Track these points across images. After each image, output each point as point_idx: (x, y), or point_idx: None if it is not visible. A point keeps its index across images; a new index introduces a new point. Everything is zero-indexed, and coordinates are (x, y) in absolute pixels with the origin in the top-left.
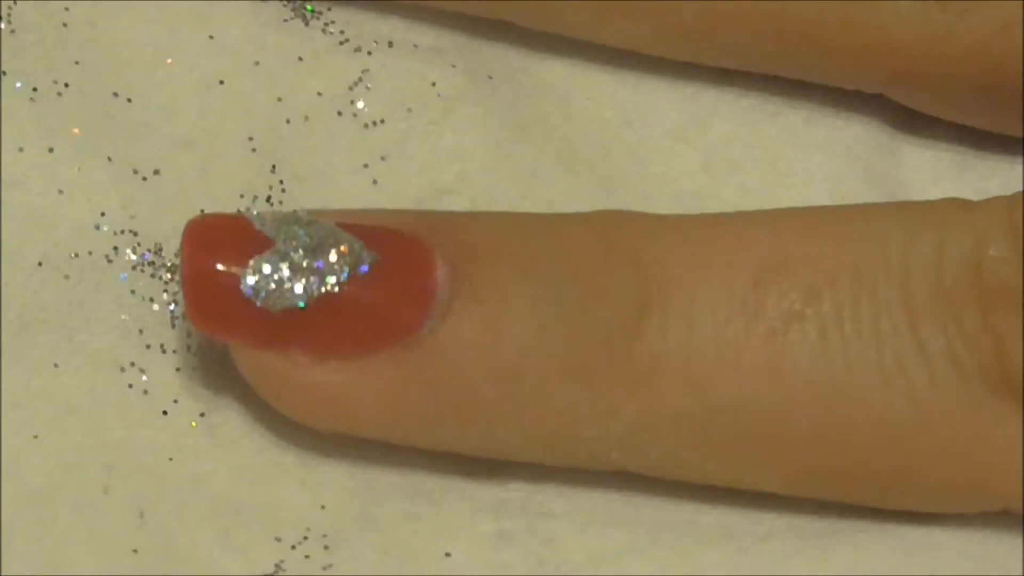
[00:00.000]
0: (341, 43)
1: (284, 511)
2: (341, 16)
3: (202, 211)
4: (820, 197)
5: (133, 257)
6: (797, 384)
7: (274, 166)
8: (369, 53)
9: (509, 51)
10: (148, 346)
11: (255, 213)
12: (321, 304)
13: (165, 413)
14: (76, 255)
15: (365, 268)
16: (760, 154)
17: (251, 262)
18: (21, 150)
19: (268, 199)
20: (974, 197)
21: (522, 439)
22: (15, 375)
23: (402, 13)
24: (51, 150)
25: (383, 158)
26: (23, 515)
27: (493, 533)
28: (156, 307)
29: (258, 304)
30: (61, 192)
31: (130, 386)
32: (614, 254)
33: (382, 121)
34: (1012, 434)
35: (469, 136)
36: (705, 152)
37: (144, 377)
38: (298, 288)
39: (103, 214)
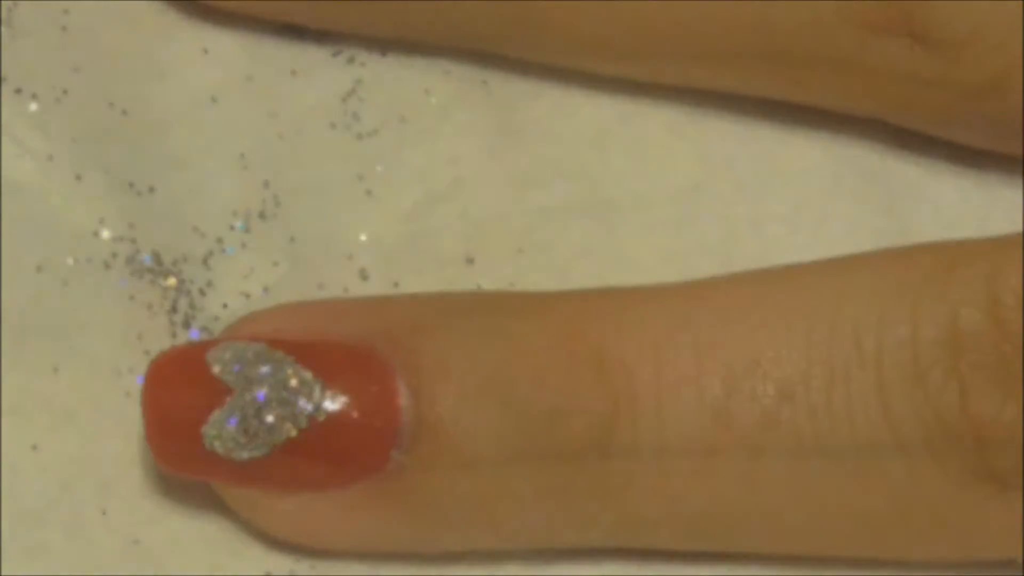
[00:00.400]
0: (334, 54)
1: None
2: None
3: (195, 228)
4: (816, 196)
5: (132, 264)
6: (775, 489)
7: (267, 181)
8: (362, 64)
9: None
10: (147, 352)
11: (214, 352)
12: (283, 450)
13: None
14: (75, 261)
15: (326, 412)
16: (757, 152)
17: (211, 417)
18: (21, 156)
19: (261, 214)
20: (975, 191)
21: (501, 548)
22: (14, 380)
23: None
24: (51, 157)
25: (377, 168)
26: (17, 538)
27: None
28: (155, 313)
29: (221, 455)
30: (60, 199)
31: (127, 394)
32: (577, 364)
33: (376, 131)
34: (996, 517)
35: (463, 143)
36: (701, 150)
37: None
38: (259, 438)
39: (102, 220)
